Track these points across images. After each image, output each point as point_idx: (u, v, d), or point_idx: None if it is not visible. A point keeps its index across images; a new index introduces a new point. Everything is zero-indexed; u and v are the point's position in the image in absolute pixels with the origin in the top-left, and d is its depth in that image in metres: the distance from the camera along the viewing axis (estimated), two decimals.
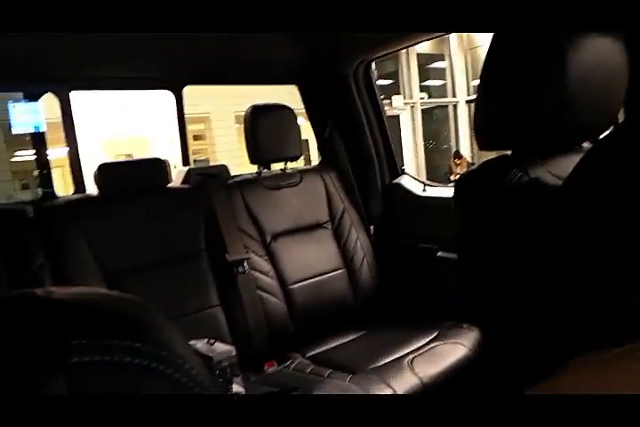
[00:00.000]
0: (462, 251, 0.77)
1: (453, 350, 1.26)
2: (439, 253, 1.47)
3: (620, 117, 0.77)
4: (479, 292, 0.73)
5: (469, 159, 6.68)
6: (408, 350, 1.28)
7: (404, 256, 1.62)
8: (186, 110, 1.69)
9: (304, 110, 1.79)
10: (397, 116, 6.96)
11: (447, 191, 1.54)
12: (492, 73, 0.69)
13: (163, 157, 1.41)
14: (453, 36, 7.50)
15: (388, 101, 6.73)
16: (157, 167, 1.39)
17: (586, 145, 0.77)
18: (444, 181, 6.14)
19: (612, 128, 0.82)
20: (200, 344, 0.95)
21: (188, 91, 1.64)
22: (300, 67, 1.66)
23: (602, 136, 0.80)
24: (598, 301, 0.50)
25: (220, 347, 0.95)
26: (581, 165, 0.58)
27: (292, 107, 1.59)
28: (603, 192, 0.53)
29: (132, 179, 1.34)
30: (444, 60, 8.21)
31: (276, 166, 1.62)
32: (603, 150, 0.58)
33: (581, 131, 0.70)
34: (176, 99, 1.65)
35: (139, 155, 6.25)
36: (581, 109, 0.64)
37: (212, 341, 0.97)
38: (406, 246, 1.60)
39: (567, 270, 0.54)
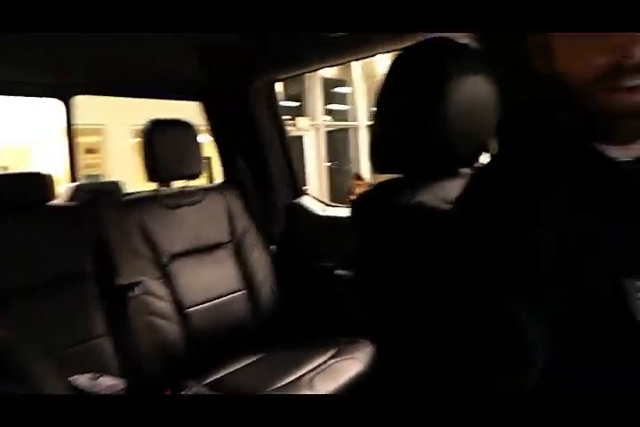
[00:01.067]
0: (358, 269, 0.79)
1: (351, 366, 1.30)
2: (337, 272, 1.51)
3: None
4: (373, 309, 0.76)
5: (370, 180, 7.01)
6: (307, 369, 1.29)
7: (305, 275, 1.63)
8: (78, 121, 1.57)
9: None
10: (301, 137, 7.12)
11: (346, 211, 1.59)
12: (384, 99, 0.74)
13: (46, 171, 1.29)
14: (357, 64, 7.94)
15: (293, 122, 6.87)
16: (38, 182, 1.26)
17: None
18: (346, 201, 6.36)
19: (490, 155, 0.91)
20: (82, 379, 0.87)
21: (84, 99, 1.53)
22: (201, 82, 1.63)
23: (482, 162, 0.88)
24: (485, 322, 0.53)
25: (106, 381, 0.87)
26: (463, 190, 0.63)
27: (197, 122, 1.55)
28: (482, 215, 0.58)
29: (7, 195, 1.20)
30: (347, 85, 8.62)
31: (177, 184, 1.56)
32: (480, 175, 0.64)
33: (460, 157, 0.77)
34: (66, 108, 1.52)
35: (17, 168, 5.62)
36: (459, 137, 0.70)
37: (96, 375, 0.88)
38: (307, 265, 1.62)
39: (455, 294, 0.57)
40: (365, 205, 0.74)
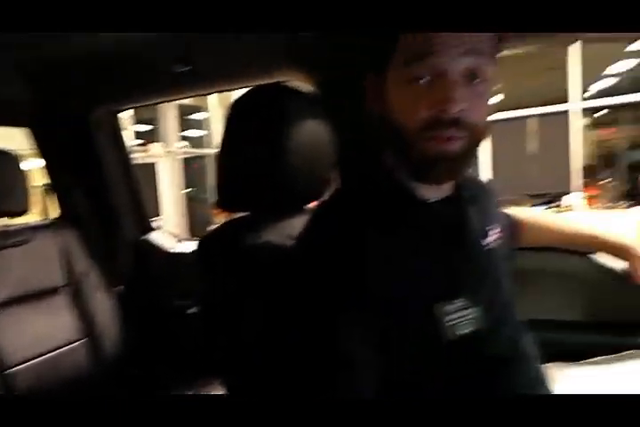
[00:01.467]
0: (206, 308, 0.77)
1: None
2: (190, 310, 1.44)
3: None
4: (221, 348, 0.74)
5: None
6: None
7: (157, 316, 1.53)
8: None
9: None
10: (153, 164, 6.78)
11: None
12: (227, 138, 0.75)
13: None
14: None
15: (145, 148, 6.52)
16: None
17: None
18: (205, 231, 6.18)
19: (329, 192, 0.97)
20: None
21: None
22: (32, 108, 1.46)
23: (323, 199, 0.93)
24: (326, 357, 0.55)
25: None
26: (303, 228, 0.66)
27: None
28: (316, 251, 0.61)
29: None
30: (203, 111, 8.52)
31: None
32: (317, 213, 0.68)
33: (303, 194, 0.80)
34: None
35: None
36: (301, 175, 0.74)
37: None
38: (158, 305, 1.52)
39: (297, 331, 0.58)
40: (212, 244, 0.73)
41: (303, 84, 1.04)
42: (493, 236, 0.73)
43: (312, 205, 0.88)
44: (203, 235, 0.76)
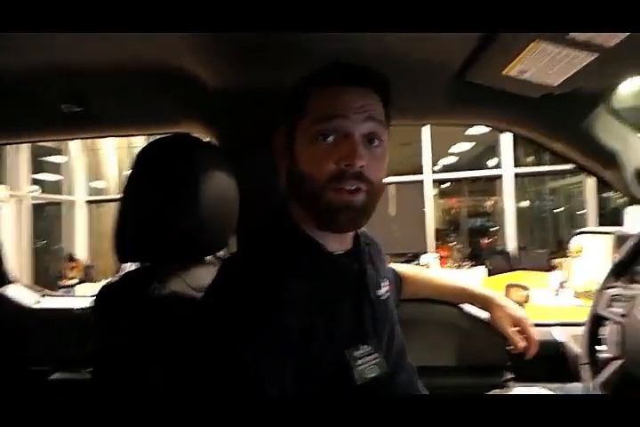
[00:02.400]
0: (98, 368, 0.69)
1: None
2: (54, 376, 1.25)
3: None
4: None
5: (85, 262, 6.27)
6: None
7: (12, 384, 1.28)
8: None
9: None
10: None
11: (66, 301, 1.37)
12: (130, 190, 0.72)
13: None
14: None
15: None
16: None
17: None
18: (55, 286, 5.46)
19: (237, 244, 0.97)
20: None
21: None
22: None
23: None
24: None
25: None
26: (214, 280, 0.65)
27: None
28: (233, 302, 0.61)
29: None
30: (61, 154, 7.82)
31: None
32: (226, 265, 0.68)
33: (206, 246, 0.80)
34: None
35: None
36: (205, 227, 0.74)
37: None
38: (13, 371, 1.28)
39: (206, 377, 0.56)
40: (112, 296, 0.68)
41: (205, 137, 1.06)
42: (385, 287, 0.80)
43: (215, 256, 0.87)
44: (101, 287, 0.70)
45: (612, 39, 0.74)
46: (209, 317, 0.60)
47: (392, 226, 6.41)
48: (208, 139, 1.06)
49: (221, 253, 0.89)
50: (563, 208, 8.14)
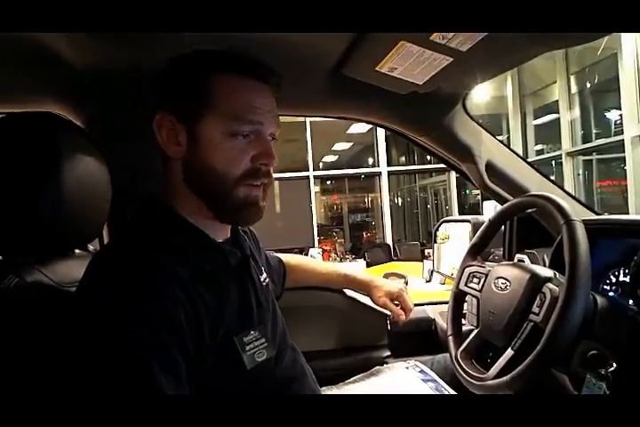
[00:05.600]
0: None
1: None
2: None
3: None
4: None
5: None
6: None
7: None
8: None
9: None
10: None
11: None
12: None
13: None
14: None
15: None
16: None
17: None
18: None
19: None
20: None
21: None
22: None
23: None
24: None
25: None
26: (86, 273, 0.60)
27: None
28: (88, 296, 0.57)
29: None
30: None
31: None
32: (98, 259, 0.63)
33: (72, 240, 0.73)
34: None
35: None
36: (72, 222, 0.68)
37: None
38: None
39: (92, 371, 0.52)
40: None
41: (71, 118, 0.96)
42: (264, 273, 0.81)
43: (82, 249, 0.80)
44: None
45: (465, 44, 0.83)
46: (88, 312, 0.56)
47: (278, 222, 6.47)
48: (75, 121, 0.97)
49: (91, 246, 0.82)
50: (431, 204, 8.96)
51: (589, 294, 0.73)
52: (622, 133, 5.03)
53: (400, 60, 0.90)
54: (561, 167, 6.11)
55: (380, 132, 6.63)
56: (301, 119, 6.43)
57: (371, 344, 1.17)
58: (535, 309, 0.77)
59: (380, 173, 6.85)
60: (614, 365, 0.75)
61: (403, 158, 8.59)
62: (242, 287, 0.69)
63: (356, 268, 4.83)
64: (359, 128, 7.17)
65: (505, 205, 0.95)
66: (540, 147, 7.08)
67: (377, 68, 0.91)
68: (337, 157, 9.75)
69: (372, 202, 8.45)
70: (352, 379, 1.05)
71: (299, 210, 6.72)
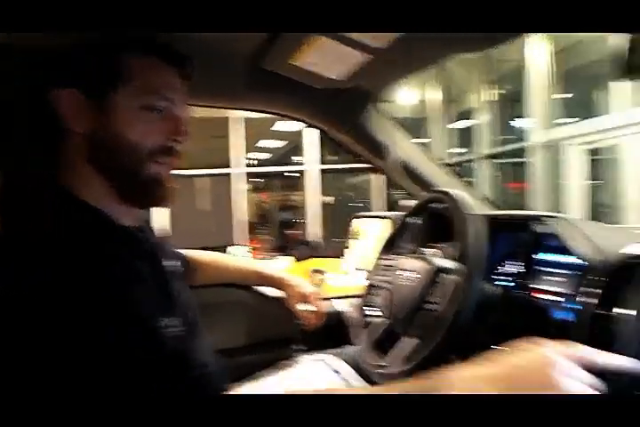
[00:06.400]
0: None
1: None
2: None
3: None
4: None
5: None
6: None
7: None
8: None
9: None
10: None
11: None
12: None
13: None
14: None
15: None
16: None
17: None
18: None
19: None
20: None
21: None
22: None
23: None
24: None
25: None
26: None
27: None
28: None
29: None
30: None
31: None
32: None
33: None
34: None
35: None
36: None
37: None
38: None
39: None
40: None
41: None
42: (173, 259, 0.79)
43: None
44: None
45: (382, 42, 0.85)
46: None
47: (199, 220, 6.30)
48: None
49: None
50: (360, 203, 9.18)
51: (484, 283, 0.78)
52: (528, 140, 5.47)
53: (317, 55, 0.91)
54: (479, 170, 6.53)
55: (311, 130, 6.66)
56: (226, 115, 6.31)
57: (281, 339, 1.17)
58: (435, 298, 0.81)
59: (305, 172, 6.90)
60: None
61: (334, 157, 8.73)
62: (156, 273, 0.66)
63: (281, 265, 4.82)
64: (290, 126, 7.16)
65: (416, 202, 0.99)
66: (460, 150, 7.50)
67: (292, 62, 0.91)
68: (268, 154, 9.68)
69: (301, 200, 8.49)
70: (257, 374, 1.04)
71: (220, 208, 6.60)
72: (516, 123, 6.31)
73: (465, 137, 7.10)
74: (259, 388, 0.98)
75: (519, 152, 5.76)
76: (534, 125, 5.36)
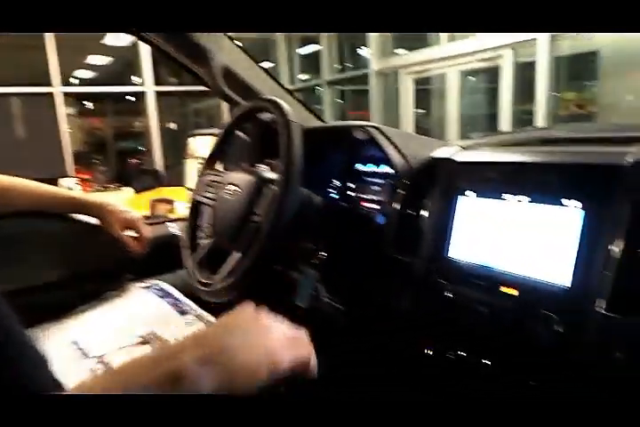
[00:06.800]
0: None
1: None
2: None
3: None
4: None
5: None
6: None
7: None
8: None
9: None
10: None
11: None
12: None
13: None
14: None
15: None
16: None
17: None
18: None
19: None
20: None
21: None
22: None
23: None
24: None
25: None
26: None
27: None
28: None
29: None
30: None
31: None
32: None
33: None
34: None
35: None
36: None
37: None
38: None
39: None
40: None
41: None
42: None
43: None
44: None
45: None
46: None
47: (19, 148, 5.37)
48: None
49: None
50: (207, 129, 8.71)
51: (300, 191, 0.78)
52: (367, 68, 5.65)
53: None
54: (323, 97, 6.60)
55: (145, 47, 5.86)
56: None
57: (107, 270, 1.07)
58: (257, 210, 0.79)
59: (145, 93, 6.19)
60: (324, 254, 0.84)
61: (174, 79, 7.95)
62: None
63: (121, 196, 4.43)
64: (119, 40, 6.20)
65: (237, 111, 0.92)
66: (305, 77, 7.44)
67: None
68: (95, 73, 8.38)
69: (140, 126, 7.71)
70: (80, 308, 0.94)
71: (45, 134, 5.66)
72: (359, 51, 6.42)
73: (310, 63, 7.05)
74: (82, 322, 0.89)
75: (362, 80, 5.94)
76: (373, 54, 5.52)
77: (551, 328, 0.50)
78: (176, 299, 0.96)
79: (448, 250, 0.70)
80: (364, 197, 0.97)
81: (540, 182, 0.59)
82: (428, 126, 5.49)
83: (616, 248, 0.48)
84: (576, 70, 4.48)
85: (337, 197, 1.05)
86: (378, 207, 0.92)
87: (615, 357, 0.43)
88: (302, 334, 0.48)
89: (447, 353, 0.65)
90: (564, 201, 0.56)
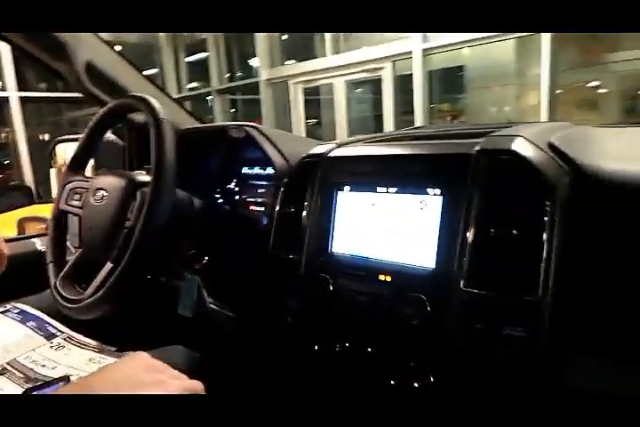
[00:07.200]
0: None
1: None
2: None
3: None
4: None
5: None
6: None
7: None
8: None
9: None
10: None
11: None
12: None
13: None
14: None
15: None
16: None
17: None
18: None
19: None
20: None
21: None
22: None
23: None
24: None
25: None
26: None
27: None
28: None
29: None
30: None
31: None
32: None
33: None
34: None
35: None
36: None
37: None
38: None
39: None
40: None
41: None
42: None
43: None
44: None
45: None
46: None
47: None
48: None
49: None
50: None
51: (178, 193, 0.74)
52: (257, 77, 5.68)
53: None
54: (214, 105, 6.47)
55: (2, 45, 5.23)
56: None
57: None
58: (129, 215, 0.73)
59: (7, 99, 5.52)
60: (207, 259, 0.80)
61: (43, 85, 7.23)
62: None
63: None
64: None
65: (102, 110, 0.84)
66: (194, 84, 7.25)
67: None
68: None
69: (6, 137, 6.87)
70: None
71: None
72: (249, 60, 6.42)
73: (198, 71, 6.88)
74: None
75: (254, 90, 5.93)
76: (262, 63, 5.56)
77: (421, 308, 0.53)
78: (43, 322, 0.85)
79: (332, 245, 0.70)
80: (251, 200, 0.96)
81: (406, 173, 0.62)
82: (319, 135, 5.64)
83: (469, 229, 0.53)
84: (449, 83, 4.93)
85: (222, 200, 1.01)
86: (263, 209, 0.91)
87: (476, 328, 0.47)
88: (198, 386, 0.44)
89: (335, 346, 0.65)
90: (427, 189, 0.59)
